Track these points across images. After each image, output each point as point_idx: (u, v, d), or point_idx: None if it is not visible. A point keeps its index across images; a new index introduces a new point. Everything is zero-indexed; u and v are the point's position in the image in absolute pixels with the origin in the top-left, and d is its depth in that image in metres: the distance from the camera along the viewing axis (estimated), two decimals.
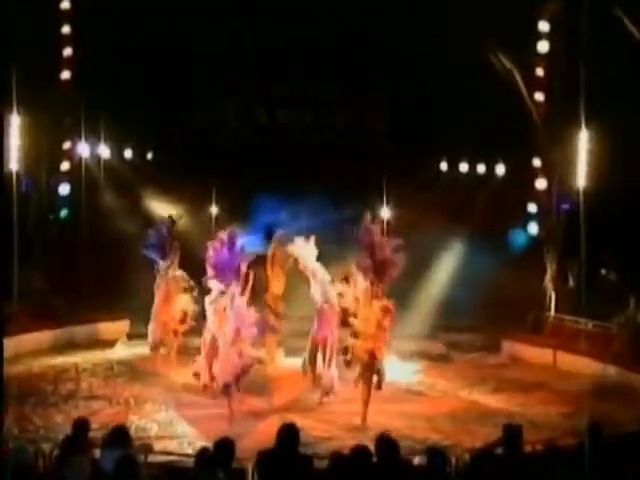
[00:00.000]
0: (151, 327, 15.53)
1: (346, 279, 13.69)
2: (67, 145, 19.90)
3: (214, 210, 21.38)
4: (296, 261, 15.02)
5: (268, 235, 16.59)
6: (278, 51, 19.89)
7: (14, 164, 17.24)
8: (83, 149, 20.17)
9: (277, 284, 16.40)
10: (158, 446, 10.30)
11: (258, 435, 11.56)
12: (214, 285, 13.40)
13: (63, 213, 20.15)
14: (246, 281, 13.39)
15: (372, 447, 7.26)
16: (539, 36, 18.69)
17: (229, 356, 12.48)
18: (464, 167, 21.67)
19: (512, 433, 7.98)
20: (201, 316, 14.89)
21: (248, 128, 22.21)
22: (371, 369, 12.71)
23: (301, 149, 21.57)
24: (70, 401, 13.74)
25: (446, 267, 19.60)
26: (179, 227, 16.59)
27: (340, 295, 13.71)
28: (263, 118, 22.37)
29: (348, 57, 19.92)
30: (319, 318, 14.09)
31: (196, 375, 13.80)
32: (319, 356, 13.91)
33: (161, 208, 21.05)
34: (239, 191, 20.48)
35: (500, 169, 20.99)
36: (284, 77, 21.14)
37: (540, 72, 18.72)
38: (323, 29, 19.52)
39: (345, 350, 12.91)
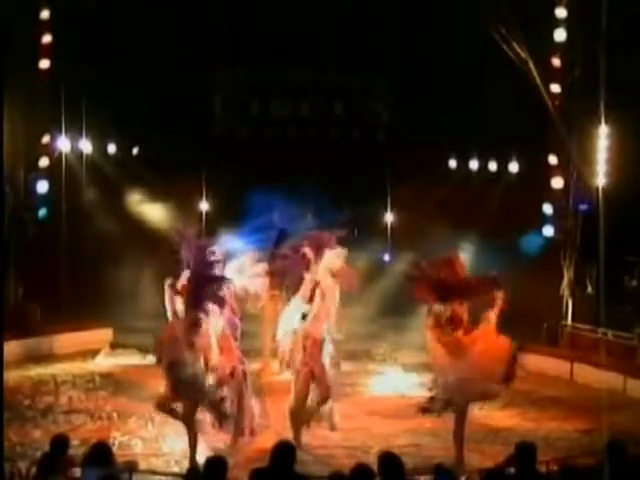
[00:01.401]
0: None
1: None
2: (46, 139, 19.85)
3: (204, 208, 21.43)
4: None
5: (280, 239, 16.46)
6: (271, 35, 19.92)
7: None
8: (63, 143, 20.16)
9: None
10: (143, 464, 10.32)
11: (251, 453, 11.58)
12: None
13: (41, 212, 20.07)
14: None
15: (374, 466, 7.27)
16: (556, 23, 18.69)
17: None
18: (474, 164, 21.71)
19: (525, 452, 7.99)
20: None
21: (238, 119, 22.25)
22: None
23: (296, 142, 21.63)
24: (48, 416, 13.72)
25: None
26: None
27: None
28: (255, 109, 22.40)
29: (347, 41, 19.97)
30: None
31: None
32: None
33: (147, 207, 21.13)
34: (230, 188, 20.51)
35: (513, 167, 21.02)
36: (277, 63, 21.19)
37: (557, 62, 18.71)
38: (321, 11, 19.59)
39: None
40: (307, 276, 12.79)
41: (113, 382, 16.12)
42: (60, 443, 8.44)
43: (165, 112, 19.97)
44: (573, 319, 18.51)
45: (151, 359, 15.35)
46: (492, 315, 12.16)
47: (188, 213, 20.83)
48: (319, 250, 12.93)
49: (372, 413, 14.42)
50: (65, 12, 18.89)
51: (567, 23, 18.57)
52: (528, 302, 17.45)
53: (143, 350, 16.92)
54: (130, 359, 17.49)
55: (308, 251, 12.83)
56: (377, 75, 21.62)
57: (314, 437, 12.76)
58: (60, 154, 20.16)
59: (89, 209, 20.53)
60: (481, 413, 14.37)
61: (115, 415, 13.70)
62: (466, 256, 19.51)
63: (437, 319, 11.99)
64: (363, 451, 11.94)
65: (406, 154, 19.94)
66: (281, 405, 13.73)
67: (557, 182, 19.21)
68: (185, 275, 11.83)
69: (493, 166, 21.47)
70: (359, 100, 22.13)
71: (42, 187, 19.88)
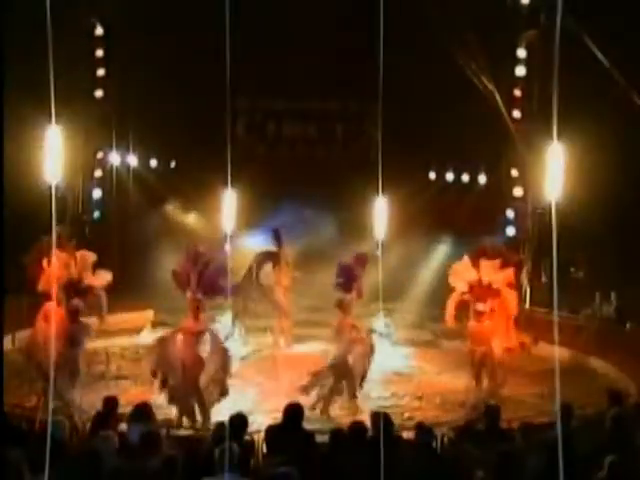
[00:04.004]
0: None
1: None
2: (100, 155, 19.99)
3: (227, 213, 21.38)
4: None
5: (277, 237, 16.65)
6: (284, 72, 20.00)
7: (52, 173, 17.34)
8: (114, 158, 20.24)
9: (285, 278, 16.45)
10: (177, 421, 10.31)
11: (267, 412, 11.58)
12: None
13: (96, 215, 20.21)
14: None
15: (368, 423, 7.27)
16: (517, 61, 18.72)
17: None
18: (450, 176, 21.69)
19: (491, 412, 8.00)
20: None
21: (257, 139, 22.27)
22: None
23: (305, 158, 21.70)
24: (101, 381, 13.74)
25: (435, 264, 19.57)
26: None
27: None
28: (271, 131, 22.42)
29: (346, 76, 20.00)
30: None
31: None
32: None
33: (182, 210, 21.17)
34: (249, 197, 20.50)
35: (482, 178, 21.02)
36: (289, 94, 21.25)
37: (518, 93, 18.76)
38: (326, 52, 19.65)
39: None
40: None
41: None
42: (111, 403, 8.46)
43: (198, 133, 19.98)
44: (530, 303, 18.50)
45: None
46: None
47: (214, 215, 20.83)
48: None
49: (367, 380, 14.42)
50: (116, 51, 19.00)
51: (526, 61, 18.61)
52: None
53: (176, 327, 16.83)
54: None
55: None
56: (371, 104, 21.58)
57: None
58: (111, 167, 20.27)
59: (135, 212, 20.56)
60: (456, 379, 14.36)
61: (155, 381, 13.67)
62: (444, 251, 19.68)
63: None
64: (359, 411, 11.93)
65: (395, 168, 19.87)
66: (289, 373, 13.76)
67: (518, 191, 19.23)
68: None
69: (465, 178, 21.46)
70: (356, 124, 22.12)
71: (97, 194, 20.04)
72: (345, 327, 12.09)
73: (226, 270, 11.46)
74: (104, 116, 19.29)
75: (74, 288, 11.96)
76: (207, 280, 11.30)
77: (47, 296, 11.62)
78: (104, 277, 12.40)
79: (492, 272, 12.76)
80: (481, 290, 12.66)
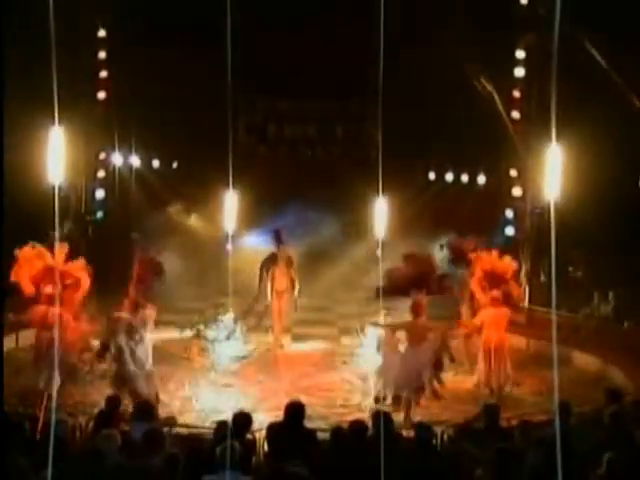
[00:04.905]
0: None
1: None
2: (102, 155, 20.00)
3: (228, 214, 21.39)
4: None
5: (277, 237, 16.60)
6: (284, 72, 20.03)
7: (55, 173, 17.31)
8: (116, 159, 20.26)
9: (283, 279, 16.41)
10: (180, 419, 10.31)
11: (269, 410, 11.58)
12: None
13: (99, 215, 20.22)
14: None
15: (368, 421, 7.27)
16: (516, 63, 18.72)
17: None
18: (450, 177, 21.68)
19: (490, 410, 8.00)
20: None
21: (258, 140, 22.29)
22: None
23: (305, 159, 21.73)
24: (104, 380, 13.71)
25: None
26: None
27: None
28: (272, 132, 22.44)
29: (347, 77, 20.03)
30: None
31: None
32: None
33: (184, 211, 21.17)
34: (251, 197, 20.52)
35: (481, 179, 21.01)
36: (290, 95, 21.28)
37: (516, 94, 18.73)
38: (325, 53, 19.70)
39: None
40: None
41: (155, 352, 16.04)
42: (113, 402, 8.47)
43: (199, 134, 19.99)
44: (529, 302, 18.49)
45: (187, 334, 15.41)
46: None
47: (216, 216, 20.83)
48: None
49: (365, 378, 14.41)
50: (118, 52, 19.02)
51: (525, 62, 18.61)
52: None
53: (180, 326, 16.83)
54: (170, 333, 17.44)
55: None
56: (371, 104, 21.60)
57: (320, 398, 12.75)
58: (114, 167, 20.28)
59: (137, 212, 20.57)
60: (455, 377, 14.34)
61: (157, 379, 13.67)
62: (443, 250, 19.68)
63: None
64: (359, 409, 11.94)
65: (394, 168, 19.89)
66: (290, 372, 13.76)
67: (517, 191, 19.22)
68: None
69: (465, 178, 21.45)
70: (356, 125, 22.12)
71: (99, 194, 20.02)
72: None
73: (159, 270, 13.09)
74: (106, 117, 19.28)
75: (51, 275, 12.17)
76: (139, 277, 12.94)
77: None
78: (76, 263, 12.76)
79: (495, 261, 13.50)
80: (491, 277, 13.23)
